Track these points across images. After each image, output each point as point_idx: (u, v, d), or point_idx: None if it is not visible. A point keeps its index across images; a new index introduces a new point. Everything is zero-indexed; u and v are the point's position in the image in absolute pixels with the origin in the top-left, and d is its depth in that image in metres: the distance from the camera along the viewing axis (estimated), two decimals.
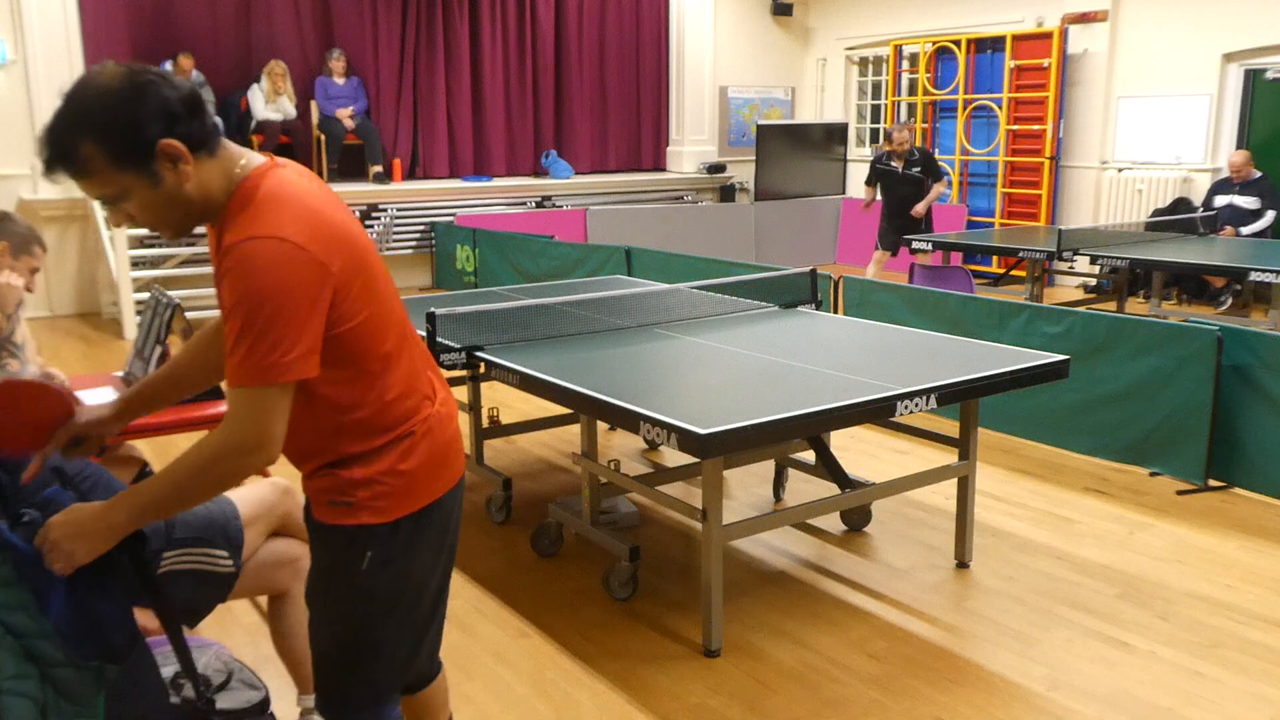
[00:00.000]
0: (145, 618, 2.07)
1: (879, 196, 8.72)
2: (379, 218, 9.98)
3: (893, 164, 8.54)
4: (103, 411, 2.02)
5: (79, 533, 1.73)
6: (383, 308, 1.79)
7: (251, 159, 1.76)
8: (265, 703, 2.38)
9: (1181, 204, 9.29)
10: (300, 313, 1.62)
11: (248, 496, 2.45)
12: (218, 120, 1.64)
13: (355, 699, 1.94)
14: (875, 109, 12.57)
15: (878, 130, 12.47)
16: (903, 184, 8.52)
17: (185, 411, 3.22)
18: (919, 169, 8.54)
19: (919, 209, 8.51)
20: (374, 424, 1.80)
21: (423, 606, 1.95)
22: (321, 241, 1.65)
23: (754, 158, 11.84)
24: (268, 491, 2.50)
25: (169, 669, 2.20)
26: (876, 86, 12.50)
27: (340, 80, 10.19)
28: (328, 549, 1.88)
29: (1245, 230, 8.39)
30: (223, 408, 3.24)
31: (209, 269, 9.07)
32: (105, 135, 1.60)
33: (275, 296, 1.60)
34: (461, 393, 4.54)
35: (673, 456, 4.83)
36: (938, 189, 8.65)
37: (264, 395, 1.63)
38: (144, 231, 8.76)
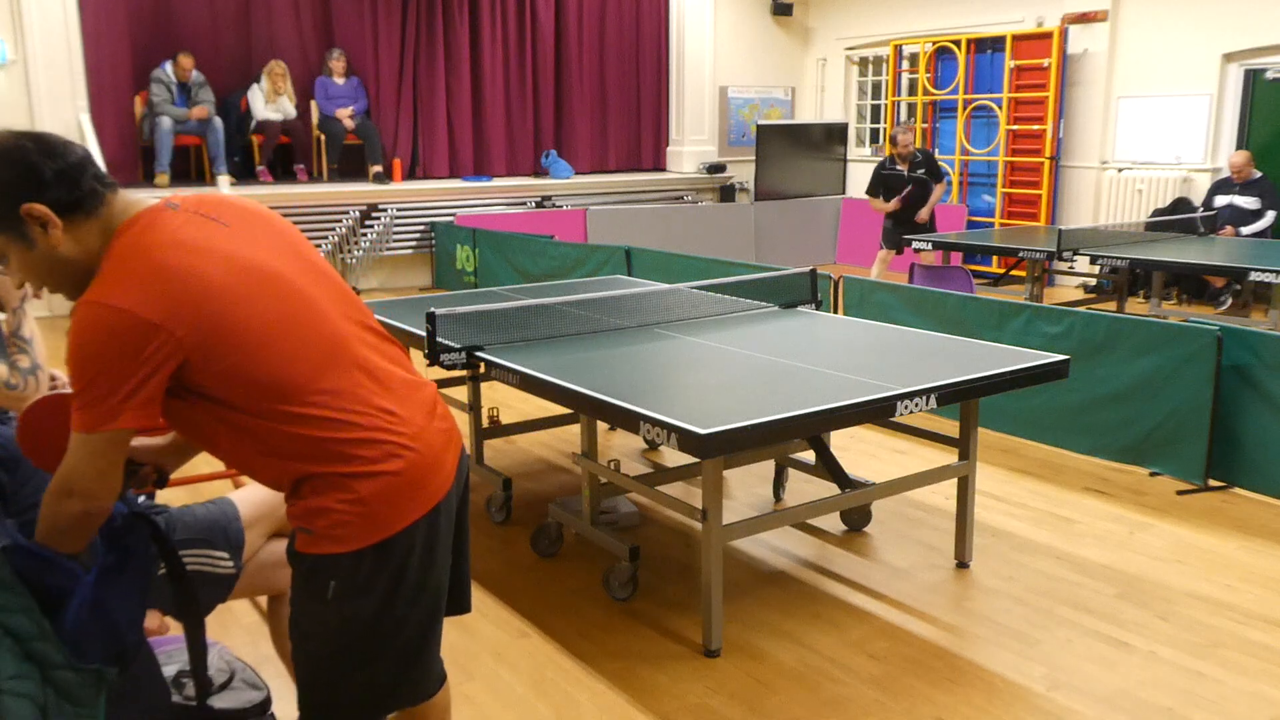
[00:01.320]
0: (146, 618, 2.07)
1: (883, 198, 8.68)
2: (379, 218, 9.98)
3: (898, 168, 8.52)
4: (158, 442, 2.05)
5: None
6: (284, 346, 1.76)
7: (131, 209, 1.78)
8: (266, 702, 2.38)
9: (1181, 204, 9.29)
10: (117, 370, 1.66)
11: (249, 498, 2.46)
12: (103, 183, 1.74)
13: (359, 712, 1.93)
14: (875, 109, 12.57)
15: (878, 130, 12.48)
16: (902, 187, 8.52)
17: None
18: (923, 170, 8.55)
19: (924, 214, 8.52)
20: (315, 453, 1.78)
21: (403, 637, 1.88)
22: (158, 301, 1.67)
23: (754, 158, 11.84)
24: (270, 493, 2.50)
25: (170, 668, 2.20)
26: (876, 86, 12.50)
27: (340, 80, 10.19)
28: (298, 577, 1.87)
29: (1245, 230, 8.39)
30: None
31: None
32: None
33: (92, 359, 1.67)
34: (461, 393, 4.54)
35: (673, 456, 4.83)
36: (939, 190, 8.67)
37: (88, 441, 1.69)
38: None
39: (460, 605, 2.17)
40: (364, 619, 1.84)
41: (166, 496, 2.41)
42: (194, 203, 1.85)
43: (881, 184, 8.60)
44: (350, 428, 1.79)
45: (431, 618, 1.97)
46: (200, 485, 3.69)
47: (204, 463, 4.53)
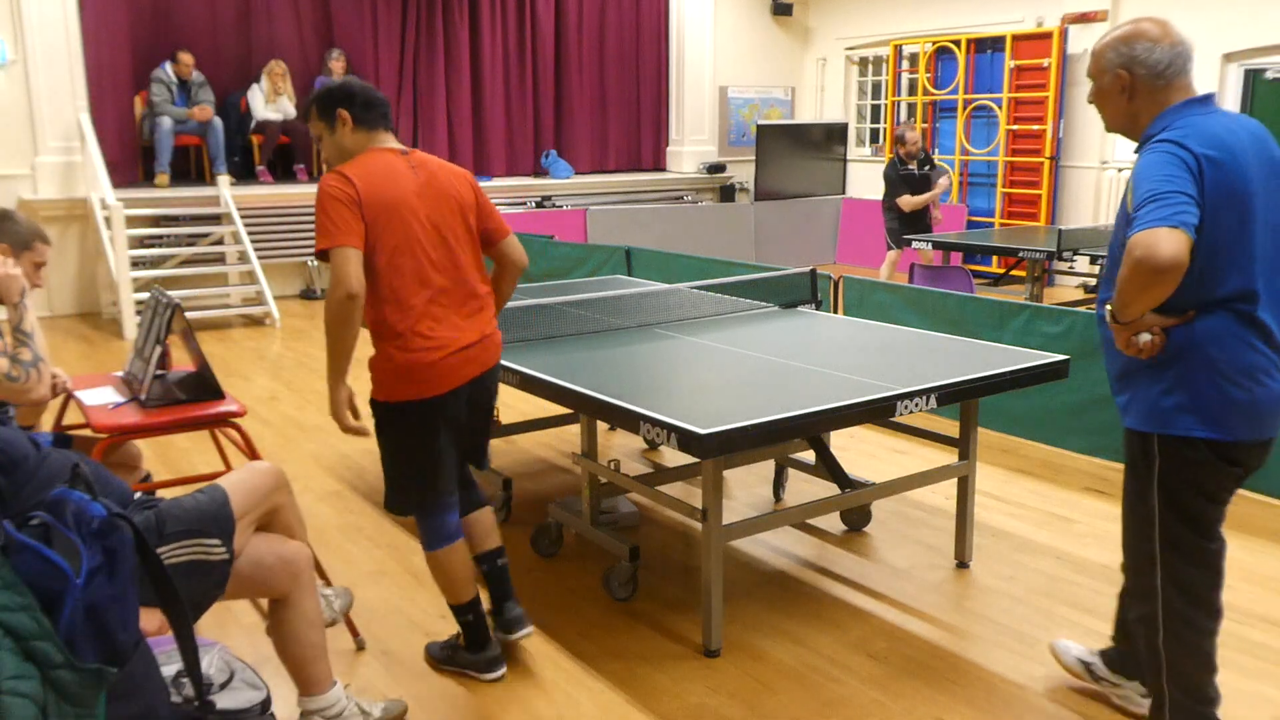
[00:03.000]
0: (146, 618, 2.07)
1: (885, 200, 8.58)
2: None
3: (909, 167, 8.47)
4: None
5: (333, 402, 2.78)
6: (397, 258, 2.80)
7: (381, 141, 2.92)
8: (266, 703, 2.38)
9: None
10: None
11: (240, 482, 2.46)
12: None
13: (405, 502, 2.98)
14: (875, 109, 12.57)
15: (878, 130, 12.48)
16: (919, 184, 8.49)
17: (185, 411, 3.22)
18: (929, 167, 8.56)
19: (937, 215, 8.54)
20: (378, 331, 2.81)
21: (421, 461, 2.87)
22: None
23: (754, 158, 11.84)
24: (260, 478, 2.51)
25: (170, 668, 2.20)
26: (876, 86, 12.50)
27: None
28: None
29: None
30: (221, 407, 3.25)
31: (209, 269, 9.09)
32: None
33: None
34: None
35: (673, 456, 4.83)
36: (944, 183, 8.66)
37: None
38: (144, 231, 8.77)
39: (479, 462, 3.17)
40: (394, 444, 2.91)
41: (164, 491, 2.41)
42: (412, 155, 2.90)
43: (904, 184, 8.46)
44: (405, 322, 2.78)
45: (444, 455, 2.90)
46: (199, 485, 3.68)
47: (203, 463, 4.54)
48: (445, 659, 3.09)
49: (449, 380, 2.83)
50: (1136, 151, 2.33)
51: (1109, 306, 2.26)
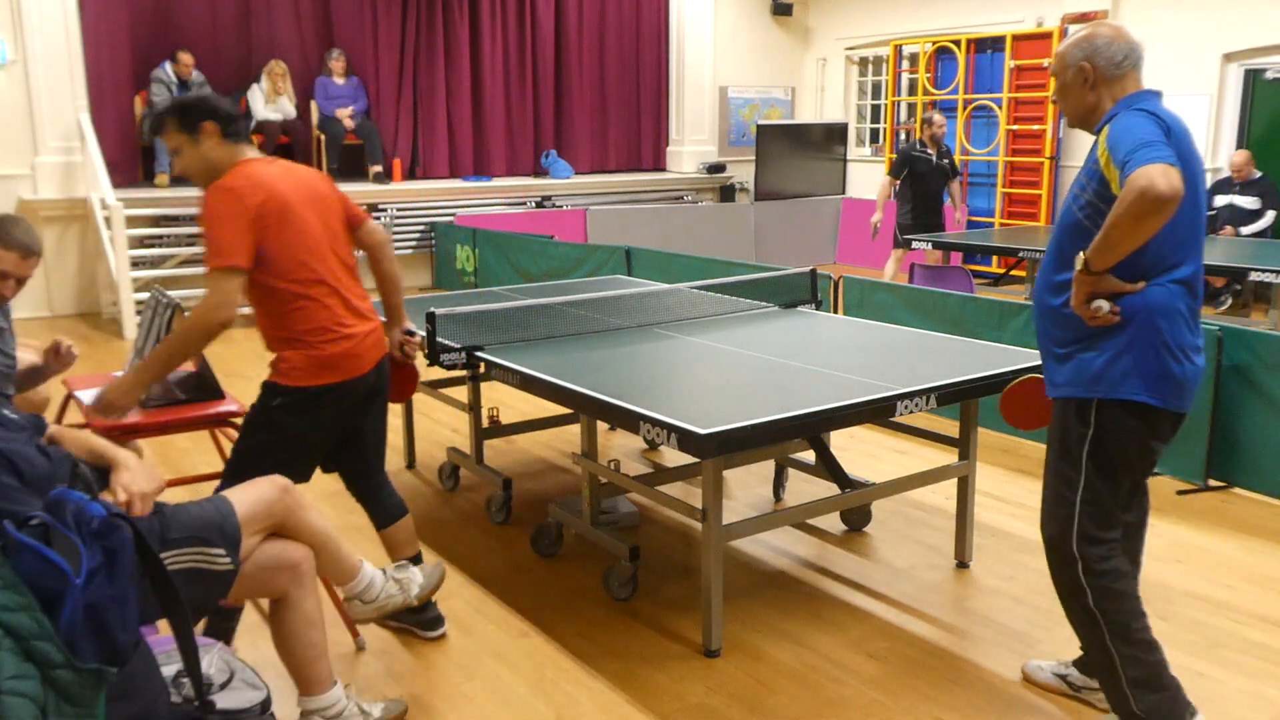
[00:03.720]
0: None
1: (897, 190, 8.36)
2: (379, 218, 9.98)
3: (928, 151, 8.25)
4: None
5: (119, 389, 2.77)
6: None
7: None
8: (266, 703, 2.38)
9: None
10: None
11: (246, 495, 2.46)
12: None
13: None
14: (875, 109, 12.57)
15: (878, 130, 12.48)
16: (935, 175, 8.27)
17: (185, 411, 3.22)
18: (947, 161, 8.39)
19: (960, 217, 8.43)
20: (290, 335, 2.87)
21: (312, 444, 2.98)
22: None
23: (754, 158, 11.84)
24: (266, 490, 2.50)
25: (170, 668, 2.20)
26: (876, 86, 12.50)
27: (340, 80, 10.19)
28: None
29: (1245, 230, 8.39)
30: (221, 407, 3.25)
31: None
32: None
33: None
34: (461, 393, 4.54)
35: (673, 456, 4.83)
36: (957, 186, 8.55)
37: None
38: (144, 231, 8.76)
39: (373, 469, 3.21)
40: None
41: (165, 495, 2.41)
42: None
43: (907, 165, 8.23)
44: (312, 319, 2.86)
45: (318, 448, 3.02)
46: (200, 485, 3.68)
47: (203, 463, 4.54)
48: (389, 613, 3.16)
49: (359, 366, 2.95)
50: (1097, 131, 2.47)
51: (1082, 256, 2.35)
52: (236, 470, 2.86)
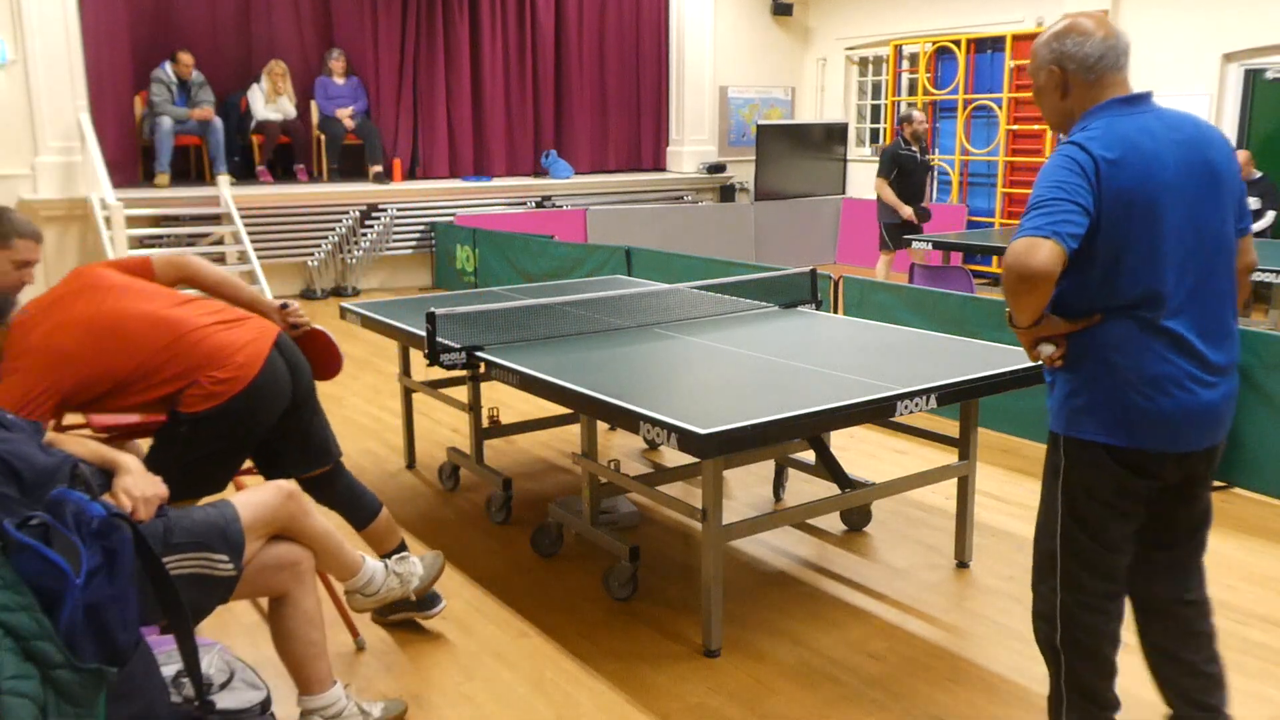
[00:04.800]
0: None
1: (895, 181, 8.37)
2: (379, 218, 9.99)
3: (912, 149, 8.32)
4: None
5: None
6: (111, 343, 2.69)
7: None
8: (267, 703, 2.38)
9: None
10: None
11: (249, 500, 2.46)
12: None
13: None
14: (875, 109, 12.58)
15: (878, 130, 12.48)
16: (920, 171, 8.36)
17: None
18: (927, 156, 8.49)
19: (927, 205, 8.49)
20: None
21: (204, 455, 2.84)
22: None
23: (754, 158, 11.83)
24: (270, 495, 2.50)
25: (170, 668, 2.20)
26: (876, 86, 12.51)
27: (340, 80, 10.19)
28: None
29: None
30: None
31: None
32: None
33: None
34: (461, 393, 4.54)
35: (673, 456, 4.83)
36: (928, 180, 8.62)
37: None
38: (144, 231, 8.76)
39: (310, 462, 3.09)
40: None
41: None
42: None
43: (896, 164, 8.29)
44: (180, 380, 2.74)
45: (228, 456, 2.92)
46: None
47: None
48: (386, 608, 3.19)
49: (247, 374, 2.78)
50: None
51: (1007, 310, 2.30)
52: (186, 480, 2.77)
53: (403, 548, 3.20)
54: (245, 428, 2.84)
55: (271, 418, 2.89)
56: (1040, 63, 2.31)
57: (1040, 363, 2.36)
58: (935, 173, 8.85)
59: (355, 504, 3.17)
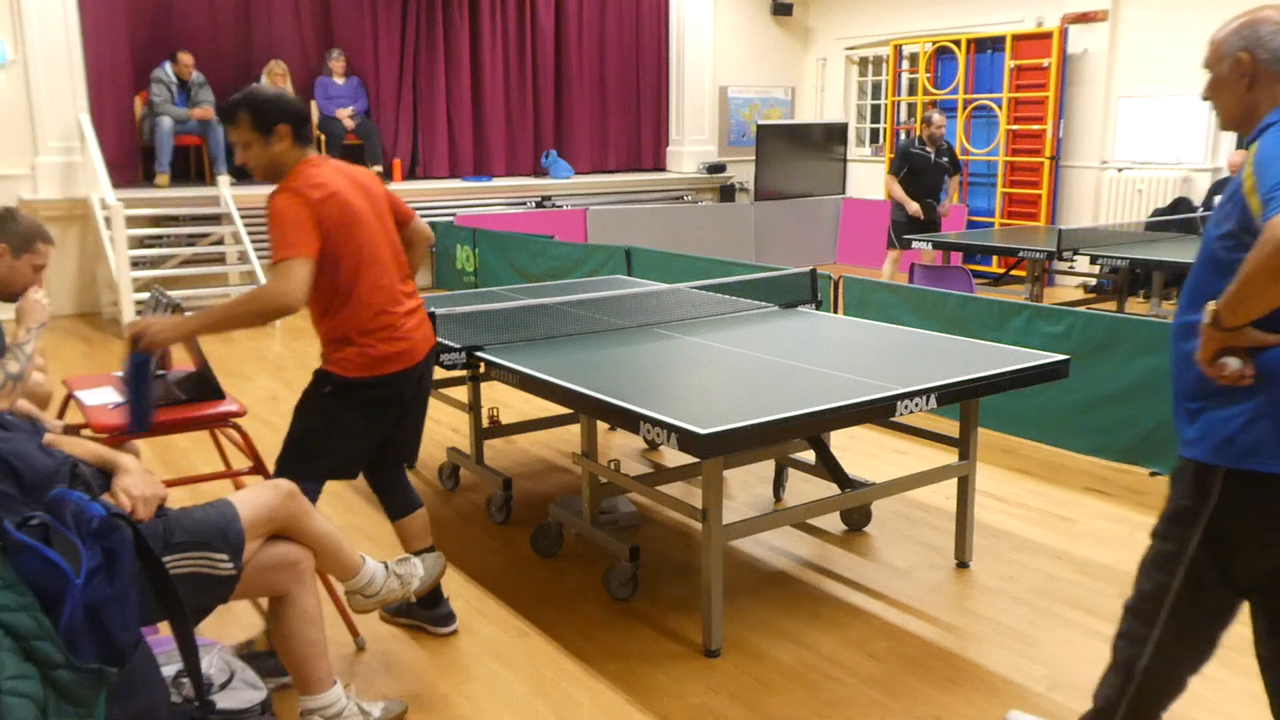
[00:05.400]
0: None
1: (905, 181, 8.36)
2: None
3: (927, 149, 8.31)
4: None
5: (166, 327, 2.78)
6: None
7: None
8: (267, 703, 2.38)
9: (1181, 204, 9.29)
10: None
11: (249, 499, 2.46)
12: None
13: (310, 470, 2.99)
14: (875, 109, 12.58)
15: (878, 130, 12.48)
16: (933, 173, 8.34)
17: (185, 411, 3.22)
18: (947, 159, 8.43)
19: (945, 207, 8.46)
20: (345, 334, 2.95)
21: (362, 436, 3.05)
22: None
23: (754, 158, 11.84)
24: (270, 494, 2.50)
25: (170, 668, 2.20)
26: (876, 86, 12.51)
27: (340, 80, 10.19)
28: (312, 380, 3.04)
29: None
30: (222, 407, 3.25)
31: (209, 269, 9.08)
32: None
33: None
34: (461, 393, 4.54)
35: (673, 456, 4.83)
36: (955, 183, 8.59)
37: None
38: (144, 231, 8.76)
39: (412, 455, 3.31)
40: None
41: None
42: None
43: (906, 163, 8.30)
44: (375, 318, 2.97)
45: (366, 446, 3.09)
46: (200, 486, 3.69)
47: (203, 463, 4.54)
48: (400, 610, 3.28)
49: (408, 359, 3.03)
50: (1248, 144, 2.09)
51: (1211, 307, 1.95)
52: (286, 457, 3.02)
53: (431, 550, 3.20)
54: (380, 410, 3.03)
55: (400, 412, 3.10)
56: (1226, 51, 2.11)
57: (1217, 378, 2.01)
58: (961, 177, 8.83)
59: (402, 494, 3.25)
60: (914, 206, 8.27)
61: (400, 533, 3.24)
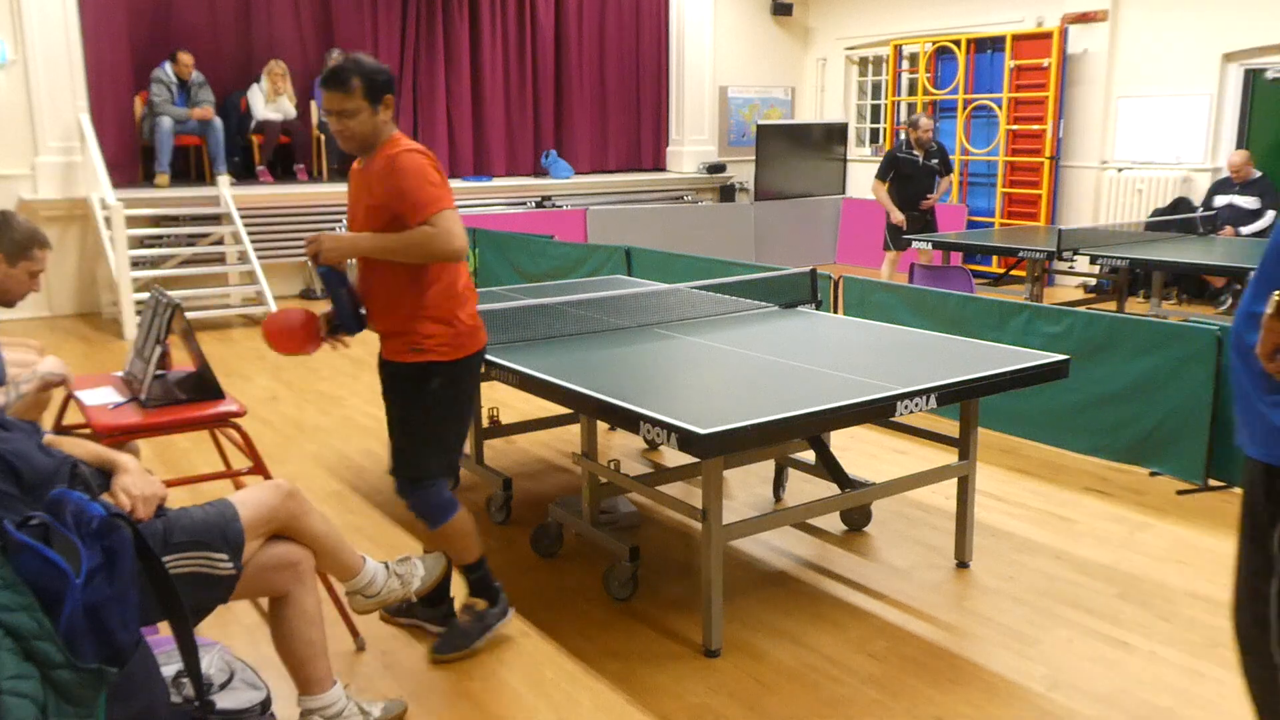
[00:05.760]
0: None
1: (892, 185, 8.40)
2: None
3: (914, 153, 8.33)
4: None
5: (327, 242, 2.88)
6: None
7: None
8: (267, 703, 2.38)
9: (1181, 204, 9.29)
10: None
11: (248, 499, 2.46)
12: None
13: (435, 465, 3.03)
14: (875, 109, 12.58)
15: (878, 130, 12.48)
16: (922, 176, 8.36)
17: (185, 411, 3.22)
18: (936, 161, 8.45)
19: (931, 200, 8.46)
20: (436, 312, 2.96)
21: (462, 417, 3.09)
22: None
23: (754, 158, 11.84)
24: (269, 494, 2.50)
25: (170, 668, 2.20)
26: (876, 86, 12.51)
27: None
28: (410, 376, 2.99)
29: (1245, 230, 8.39)
30: (221, 407, 3.25)
31: (209, 269, 9.09)
32: None
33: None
34: None
35: (673, 456, 4.83)
36: (945, 183, 8.61)
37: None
38: (144, 231, 8.76)
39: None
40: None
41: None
42: None
43: (893, 167, 8.34)
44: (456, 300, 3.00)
45: (468, 419, 3.15)
46: (200, 485, 3.69)
47: (203, 463, 4.54)
48: (480, 631, 3.19)
49: (483, 337, 3.12)
50: None
51: (1276, 297, 1.78)
52: (417, 461, 3.01)
53: (482, 563, 3.20)
54: (469, 389, 3.11)
55: (476, 391, 3.23)
56: None
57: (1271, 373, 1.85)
58: (952, 177, 8.86)
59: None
60: (898, 216, 8.29)
61: (442, 541, 3.18)
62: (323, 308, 3.09)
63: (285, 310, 3.11)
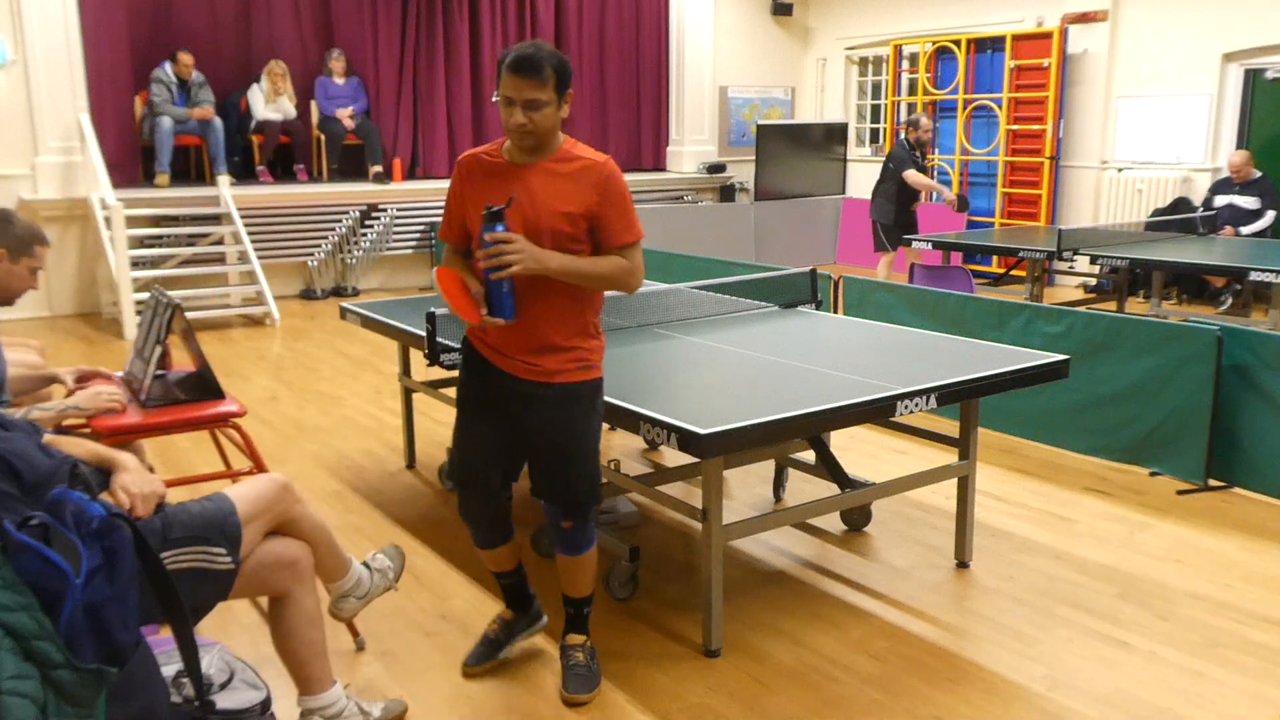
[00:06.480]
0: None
1: (885, 190, 8.41)
2: (379, 218, 9.98)
3: (918, 155, 8.38)
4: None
5: (530, 253, 2.58)
6: None
7: None
8: (267, 703, 2.38)
9: (1181, 204, 9.29)
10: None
11: (246, 493, 2.46)
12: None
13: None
14: (875, 109, 12.58)
15: (878, 130, 12.48)
16: (923, 175, 8.46)
17: (185, 411, 3.22)
18: (927, 159, 8.54)
19: (948, 197, 8.54)
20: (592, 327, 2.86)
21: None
22: None
23: (754, 158, 11.84)
24: (266, 488, 2.50)
25: (170, 668, 2.20)
26: (876, 86, 12.51)
27: (340, 80, 10.19)
28: (586, 398, 2.82)
29: (1245, 230, 8.39)
30: (221, 407, 3.25)
31: (209, 269, 9.09)
32: None
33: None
34: None
35: (673, 456, 4.83)
36: (948, 196, 8.62)
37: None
38: (144, 231, 8.76)
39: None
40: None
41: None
42: None
43: (913, 164, 8.33)
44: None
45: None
46: (200, 486, 3.68)
47: (203, 463, 4.54)
48: (508, 636, 3.15)
49: None
50: None
51: None
52: (591, 488, 2.86)
53: (519, 571, 3.18)
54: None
55: None
56: None
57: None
58: (934, 173, 8.92)
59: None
60: (950, 195, 8.47)
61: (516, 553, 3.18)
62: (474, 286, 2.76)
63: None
